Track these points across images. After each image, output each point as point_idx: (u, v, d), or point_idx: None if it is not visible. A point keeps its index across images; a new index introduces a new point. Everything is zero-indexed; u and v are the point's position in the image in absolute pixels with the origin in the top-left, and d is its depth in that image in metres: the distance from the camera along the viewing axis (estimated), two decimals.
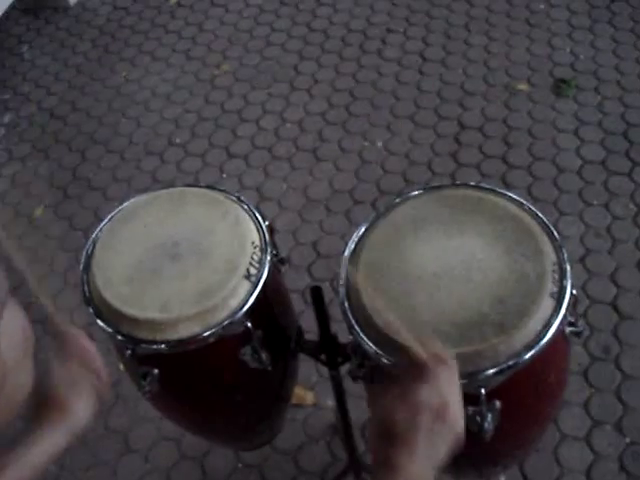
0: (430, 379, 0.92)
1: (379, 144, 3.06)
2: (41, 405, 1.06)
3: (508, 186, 2.76)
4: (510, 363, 1.13)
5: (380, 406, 0.93)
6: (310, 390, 2.33)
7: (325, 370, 1.62)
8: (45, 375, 1.08)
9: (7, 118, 3.54)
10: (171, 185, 2.82)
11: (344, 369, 1.58)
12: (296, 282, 2.57)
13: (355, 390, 1.51)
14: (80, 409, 1.08)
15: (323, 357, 1.58)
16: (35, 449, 1.02)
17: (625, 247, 2.54)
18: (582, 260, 2.50)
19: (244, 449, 2.16)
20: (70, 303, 2.58)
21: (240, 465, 2.23)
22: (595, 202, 2.69)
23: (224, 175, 3.07)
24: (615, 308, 2.38)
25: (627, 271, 2.47)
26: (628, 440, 2.11)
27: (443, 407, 0.92)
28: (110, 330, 1.31)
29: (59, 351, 1.11)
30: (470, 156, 2.92)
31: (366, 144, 3.07)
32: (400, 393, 0.92)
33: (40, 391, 1.06)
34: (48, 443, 1.03)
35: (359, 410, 1.57)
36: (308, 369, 2.31)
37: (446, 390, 0.93)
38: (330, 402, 2.28)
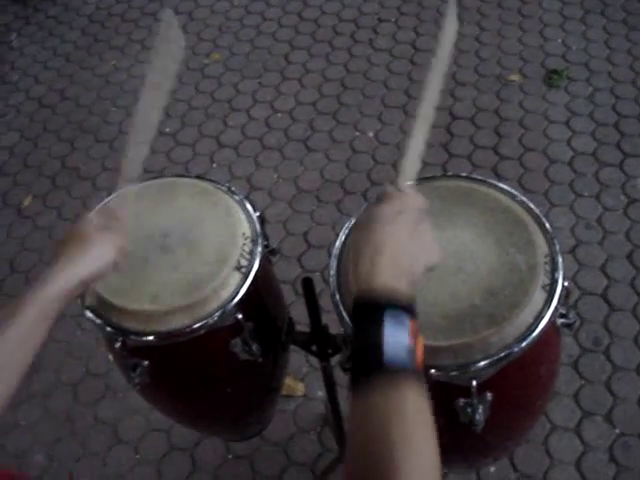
0: (403, 205, 0.97)
1: (370, 134, 3.05)
2: (67, 239, 1.10)
3: (499, 177, 2.76)
4: (501, 355, 1.12)
5: (362, 224, 0.96)
6: (300, 381, 2.33)
7: (315, 361, 1.62)
8: (81, 221, 1.12)
9: None
10: (161, 175, 2.81)
11: (334, 360, 1.58)
12: (287, 273, 2.57)
13: (345, 381, 1.50)
14: (102, 249, 1.10)
15: (314, 348, 1.58)
16: (53, 281, 1.04)
17: (616, 238, 2.54)
18: (573, 251, 2.51)
19: (234, 440, 2.15)
20: None
21: (230, 456, 2.23)
22: (586, 193, 2.69)
23: (214, 165, 3.05)
24: (605, 299, 2.38)
25: (618, 262, 2.47)
26: (618, 431, 2.11)
27: (419, 218, 0.97)
28: (99, 321, 1.30)
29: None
30: (461, 147, 2.92)
31: (357, 134, 3.06)
32: (378, 211, 0.95)
33: (72, 231, 1.11)
34: (63, 274, 1.05)
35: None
36: (298, 360, 2.31)
37: (417, 217, 0.97)
38: (320, 393, 2.28)
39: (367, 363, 0.83)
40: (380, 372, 0.82)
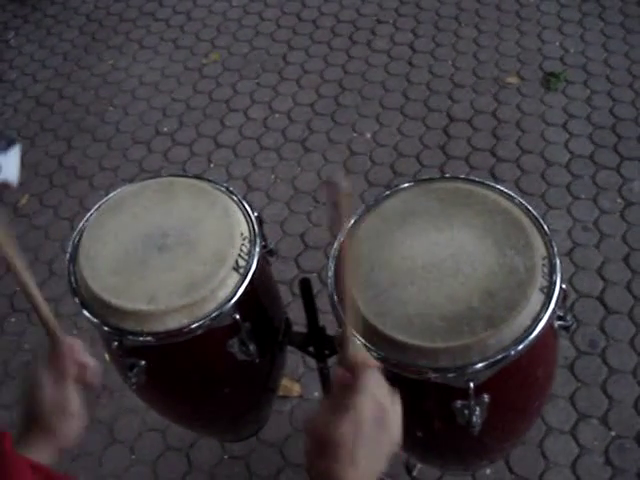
0: (361, 388, 0.89)
1: (368, 135, 3.05)
2: (29, 424, 1.06)
3: (496, 179, 2.76)
4: (499, 357, 1.12)
5: (319, 422, 0.90)
6: (297, 382, 2.33)
7: (312, 362, 1.62)
8: (36, 396, 1.07)
9: None
10: (158, 174, 2.81)
11: (331, 361, 1.58)
12: (284, 273, 2.57)
13: None
14: (66, 431, 1.08)
15: (311, 349, 1.58)
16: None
17: (612, 241, 2.54)
18: (569, 254, 2.51)
19: (230, 440, 2.15)
20: (55, 293, 2.59)
21: (226, 456, 2.23)
22: (583, 196, 2.69)
23: (212, 165, 3.05)
24: (602, 302, 2.38)
25: (614, 265, 2.47)
26: (614, 434, 2.11)
27: (382, 414, 0.90)
28: (96, 321, 1.30)
29: (52, 367, 1.09)
30: (459, 149, 2.92)
31: (355, 135, 3.06)
32: (339, 408, 0.89)
33: (30, 411, 1.07)
34: (36, 457, 1.03)
35: None
36: (295, 361, 2.31)
37: (380, 395, 0.91)
38: (317, 394, 2.27)
39: None
40: None
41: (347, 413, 0.88)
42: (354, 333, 0.97)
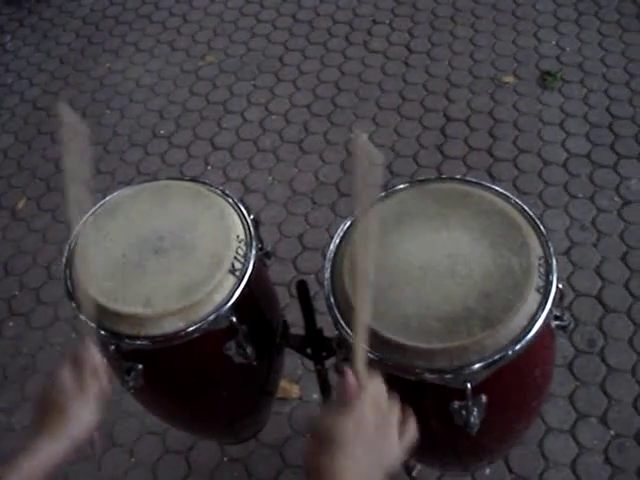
0: (366, 393, 0.91)
1: (364, 136, 3.03)
2: (45, 410, 1.07)
3: (493, 179, 2.76)
4: (496, 357, 1.12)
5: (321, 420, 0.91)
6: (295, 383, 2.33)
7: (311, 363, 1.62)
8: (52, 382, 1.08)
9: None
10: (155, 177, 2.81)
11: (329, 363, 1.58)
12: (281, 275, 2.56)
13: None
14: (81, 418, 1.08)
15: (308, 351, 1.58)
16: (37, 455, 1.02)
17: (610, 240, 2.54)
18: (567, 253, 2.51)
19: (229, 443, 2.15)
20: (54, 296, 2.58)
21: (225, 459, 2.22)
22: (580, 195, 2.69)
23: (209, 167, 3.05)
24: (600, 301, 2.38)
25: (612, 264, 2.47)
26: (613, 433, 2.11)
27: (383, 422, 0.91)
28: (93, 325, 1.29)
29: (70, 358, 1.11)
30: (456, 148, 2.92)
31: (352, 136, 3.06)
32: (341, 408, 0.90)
33: (46, 397, 1.08)
34: (48, 449, 1.04)
35: None
36: (293, 362, 2.30)
37: (382, 403, 0.93)
38: (315, 395, 2.27)
39: None
40: None
41: (349, 412, 0.89)
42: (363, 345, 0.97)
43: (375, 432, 0.90)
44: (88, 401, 1.09)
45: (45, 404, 1.08)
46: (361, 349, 0.95)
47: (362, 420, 0.89)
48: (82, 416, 1.08)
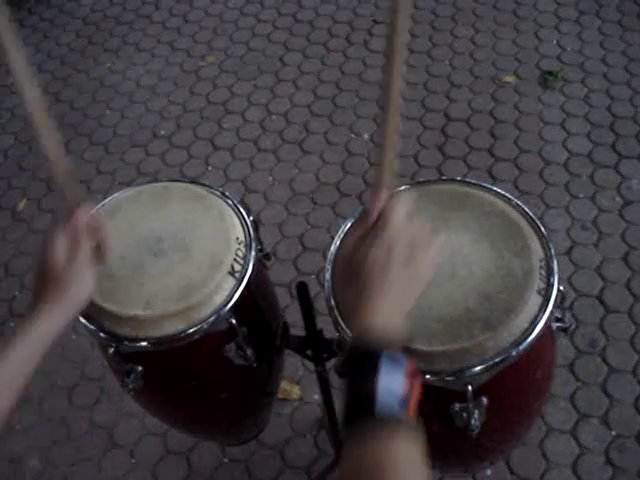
0: (394, 215, 0.90)
1: (365, 136, 3.04)
2: (43, 283, 1.07)
3: (494, 179, 2.76)
4: (497, 360, 1.12)
5: (349, 249, 0.89)
6: (296, 384, 2.32)
7: (311, 364, 1.61)
8: (44, 254, 1.09)
9: None
10: (156, 178, 2.80)
11: (330, 364, 1.57)
12: (282, 276, 2.56)
13: (341, 385, 1.49)
14: (80, 283, 1.08)
15: (309, 353, 1.57)
16: (41, 320, 1.02)
17: (611, 240, 2.54)
18: (568, 253, 2.50)
19: (230, 444, 2.15)
20: None
21: (226, 460, 2.22)
22: (581, 195, 2.69)
23: (209, 167, 3.05)
24: (601, 301, 2.38)
25: (613, 264, 2.47)
26: (614, 433, 2.11)
27: (414, 244, 0.90)
28: (92, 327, 1.29)
29: (65, 225, 1.13)
30: (456, 148, 2.91)
31: (352, 136, 3.06)
32: (370, 235, 0.88)
33: (41, 270, 1.08)
34: (51, 317, 1.03)
35: None
36: (294, 363, 2.30)
37: (412, 226, 0.91)
38: (316, 396, 2.27)
39: (359, 412, 0.81)
40: (371, 422, 0.80)
41: (378, 239, 0.87)
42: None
43: (405, 257, 0.88)
44: (83, 265, 1.09)
45: (41, 277, 1.07)
46: (389, 162, 0.94)
47: (391, 244, 0.87)
48: (80, 281, 1.08)
